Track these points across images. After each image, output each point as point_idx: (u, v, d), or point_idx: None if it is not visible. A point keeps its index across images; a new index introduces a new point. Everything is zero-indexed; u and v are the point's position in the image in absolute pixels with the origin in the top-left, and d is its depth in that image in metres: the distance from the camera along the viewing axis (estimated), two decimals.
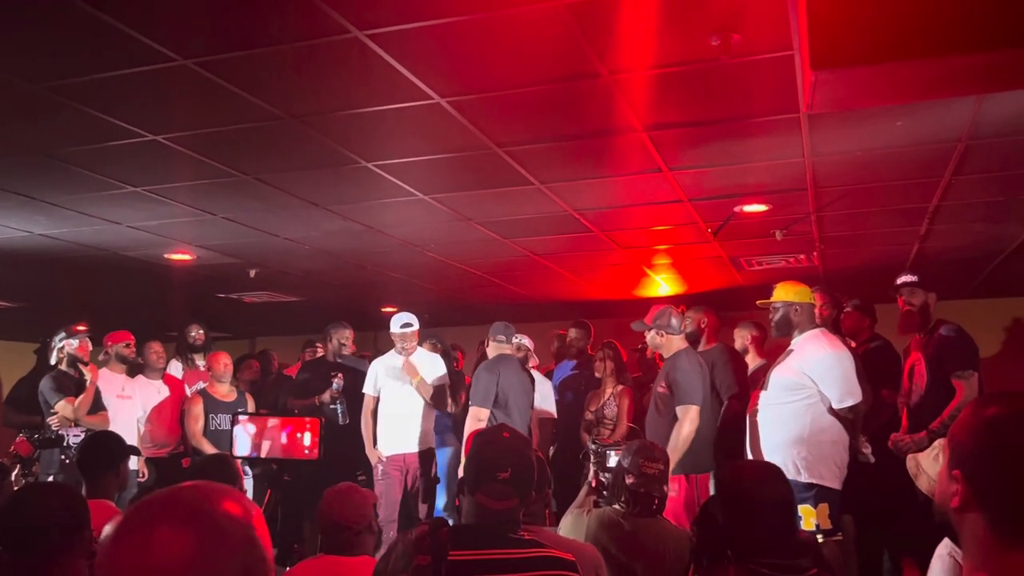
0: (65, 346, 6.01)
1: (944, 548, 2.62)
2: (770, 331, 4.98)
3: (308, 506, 5.54)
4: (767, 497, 2.49)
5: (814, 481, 4.40)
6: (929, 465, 2.87)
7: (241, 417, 5.70)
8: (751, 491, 2.51)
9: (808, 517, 4.31)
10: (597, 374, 6.42)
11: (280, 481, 5.47)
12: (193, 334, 7.31)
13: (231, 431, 5.59)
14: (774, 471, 2.69)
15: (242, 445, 5.61)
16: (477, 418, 5.52)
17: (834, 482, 4.49)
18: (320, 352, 7.66)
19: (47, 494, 2.44)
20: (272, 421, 5.66)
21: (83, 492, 3.71)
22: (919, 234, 5.89)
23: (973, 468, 1.31)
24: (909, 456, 2.71)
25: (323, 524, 3.07)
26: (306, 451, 5.33)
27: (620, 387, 6.25)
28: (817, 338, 4.68)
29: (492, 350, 5.87)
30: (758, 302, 4.97)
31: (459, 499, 2.54)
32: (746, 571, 2.38)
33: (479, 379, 5.67)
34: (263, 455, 5.49)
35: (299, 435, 5.42)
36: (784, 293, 4.80)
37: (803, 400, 4.56)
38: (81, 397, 5.89)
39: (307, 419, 5.32)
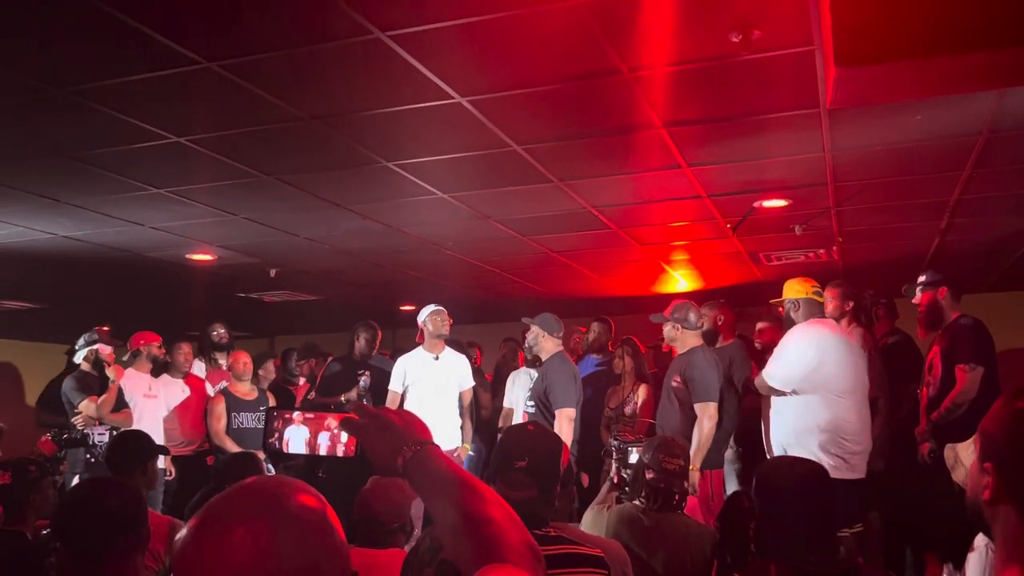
0: (99, 349, 6.10)
1: (981, 540, 2.61)
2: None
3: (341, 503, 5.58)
4: (807, 493, 2.47)
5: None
6: (967, 457, 2.85)
7: (295, 415, 5.75)
8: (791, 486, 2.49)
9: None
10: (616, 371, 6.43)
11: (315, 478, 5.50)
12: (216, 334, 7.38)
13: (281, 430, 5.66)
14: (813, 466, 2.68)
15: (296, 443, 5.66)
16: (570, 418, 5.50)
17: (847, 472, 4.51)
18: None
19: (106, 491, 2.44)
20: (310, 416, 5.71)
21: None
22: (940, 228, 5.86)
23: (1004, 460, 1.30)
24: (948, 446, 2.70)
25: (359, 514, 3.03)
26: (342, 448, 5.36)
27: (640, 384, 6.25)
28: (798, 327, 4.78)
29: (552, 345, 5.74)
30: (771, 301, 5.10)
31: None
32: (789, 568, 2.37)
33: (561, 380, 5.58)
34: (322, 453, 5.53)
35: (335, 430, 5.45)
36: (786, 291, 4.97)
37: (806, 392, 4.62)
38: (104, 396, 5.96)
39: (343, 415, 5.30)
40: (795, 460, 2.80)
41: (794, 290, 4.92)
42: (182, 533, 1.04)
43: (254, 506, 1.04)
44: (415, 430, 1.35)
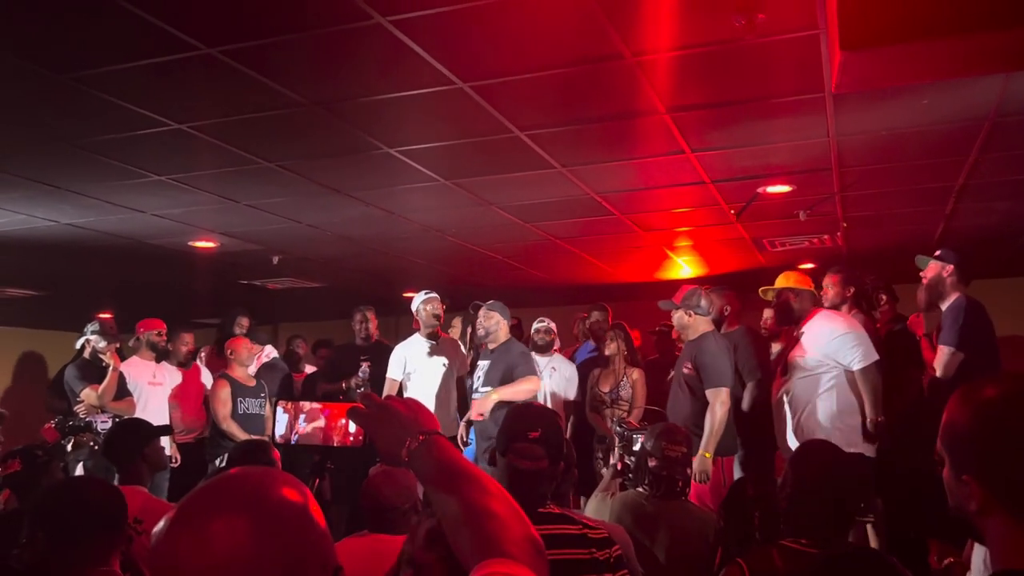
0: (93, 340, 6.08)
1: None
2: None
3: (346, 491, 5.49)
4: (839, 478, 2.53)
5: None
6: None
7: (283, 402, 5.77)
8: (823, 471, 2.55)
9: None
10: (607, 353, 6.33)
11: (324, 468, 5.50)
12: (240, 327, 7.23)
13: (270, 415, 5.69)
14: (842, 452, 2.74)
15: (279, 427, 5.69)
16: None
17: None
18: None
19: (85, 489, 2.50)
20: (316, 406, 5.72)
21: (116, 480, 3.79)
22: (945, 213, 5.83)
23: (982, 467, 1.21)
24: None
25: (369, 505, 3.04)
26: (350, 437, 5.36)
27: (634, 369, 6.21)
28: (828, 317, 4.91)
29: (506, 333, 5.70)
30: (760, 290, 5.22)
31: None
32: (790, 551, 2.39)
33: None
34: (306, 441, 5.55)
35: (342, 421, 5.45)
36: (783, 281, 5.13)
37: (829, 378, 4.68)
38: (104, 383, 5.95)
39: (350, 405, 5.34)
40: (829, 443, 2.86)
41: (796, 280, 5.11)
42: (159, 526, 1.01)
43: (233, 499, 1.02)
44: (421, 420, 1.33)
